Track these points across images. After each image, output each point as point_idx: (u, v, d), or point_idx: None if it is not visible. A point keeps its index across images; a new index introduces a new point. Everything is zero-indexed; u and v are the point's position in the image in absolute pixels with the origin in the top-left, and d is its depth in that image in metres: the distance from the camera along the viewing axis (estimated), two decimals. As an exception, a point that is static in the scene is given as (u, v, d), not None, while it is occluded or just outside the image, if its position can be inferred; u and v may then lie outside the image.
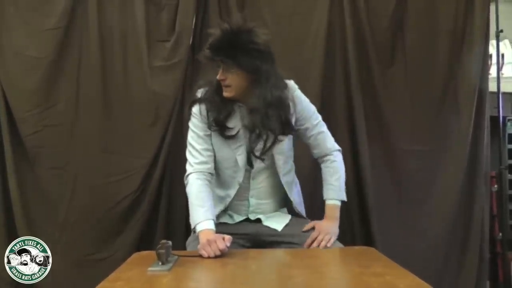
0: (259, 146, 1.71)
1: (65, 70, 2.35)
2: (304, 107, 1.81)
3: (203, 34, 2.38)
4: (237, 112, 1.75)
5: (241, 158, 1.76)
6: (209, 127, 1.75)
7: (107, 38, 2.35)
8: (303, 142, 1.88)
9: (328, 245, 1.67)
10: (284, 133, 1.74)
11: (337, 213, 1.79)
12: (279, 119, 1.69)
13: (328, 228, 1.72)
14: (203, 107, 1.76)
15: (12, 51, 2.33)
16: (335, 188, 1.82)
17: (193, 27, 2.37)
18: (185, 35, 2.35)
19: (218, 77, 1.67)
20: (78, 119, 2.35)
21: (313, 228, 1.74)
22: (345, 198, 1.83)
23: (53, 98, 2.34)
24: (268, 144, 1.71)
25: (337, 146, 1.89)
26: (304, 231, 1.73)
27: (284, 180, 1.83)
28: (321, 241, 1.67)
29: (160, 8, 2.38)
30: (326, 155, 1.86)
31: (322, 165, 1.87)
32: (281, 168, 1.81)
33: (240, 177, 1.79)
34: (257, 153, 1.72)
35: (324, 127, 1.87)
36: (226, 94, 1.70)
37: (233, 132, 1.74)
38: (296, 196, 1.92)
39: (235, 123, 1.74)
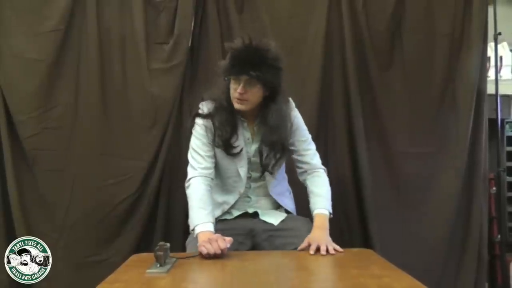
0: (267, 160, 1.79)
1: (64, 73, 2.35)
2: (299, 126, 1.88)
3: (202, 36, 2.40)
4: (240, 128, 1.80)
5: (243, 169, 1.82)
6: (214, 145, 1.79)
7: (106, 41, 2.35)
8: (291, 157, 1.92)
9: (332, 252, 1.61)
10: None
11: (327, 223, 1.76)
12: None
13: (322, 238, 1.66)
14: (209, 122, 1.79)
15: (11, 54, 2.32)
16: (323, 199, 1.82)
17: (191, 29, 2.37)
18: (183, 38, 2.35)
19: (238, 90, 1.68)
20: (77, 121, 2.35)
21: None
22: (331, 211, 1.81)
23: (52, 100, 2.33)
24: (279, 159, 1.81)
25: (322, 166, 1.92)
26: (300, 249, 1.66)
27: (274, 192, 1.89)
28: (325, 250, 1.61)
29: (159, 11, 2.37)
30: (314, 170, 1.89)
31: (309, 178, 1.89)
32: (270, 182, 1.87)
33: (241, 187, 1.84)
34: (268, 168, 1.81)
35: (314, 146, 1.92)
36: (241, 107, 1.73)
37: (237, 150, 1.78)
38: (289, 203, 1.96)
39: (239, 141, 1.79)
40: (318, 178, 1.87)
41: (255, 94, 1.72)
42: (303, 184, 1.91)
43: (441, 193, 2.44)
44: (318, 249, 1.58)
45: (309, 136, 1.92)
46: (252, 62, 1.65)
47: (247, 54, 1.66)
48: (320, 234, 1.68)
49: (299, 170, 1.92)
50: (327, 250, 1.57)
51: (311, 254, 1.56)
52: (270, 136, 1.76)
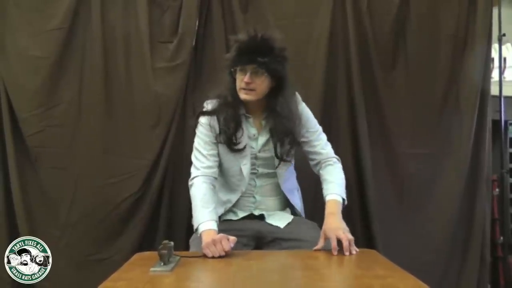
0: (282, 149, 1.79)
1: (68, 71, 2.35)
2: (308, 117, 1.89)
3: (206, 35, 2.40)
4: (244, 124, 1.80)
5: (245, 167, 1.82)
6: (217, 140, 1.80)
7: (110, 39, 2.35)
8: (302, 150, 1.91)
9: (353, 252, 1.57)
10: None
11: (339, 209, 1.71)
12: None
13: (338, 226, 1.62)
14: (213, 119, 1.80)
15: (15, 51, 2.33)
16: (335, 185, 1.79)
17: (196, 28, 2.38)
18: (188, 37, 2.35)
19: (245, 79, 1.70)
20: (80, 119, 2.35)
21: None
22: (345, 197, 1.78)
23: (56, 98, 2.33)
24: (291, 148, 1.81)
25: (335, 155, 1.92)
26: (316, 249, 1.62)
27: (284, 186, 1.88)
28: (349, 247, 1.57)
29: (163, 10, 2.37)
30: (327, 160, 1.88)
31: (322, 168, 1.87)
32: (282, 176, 1.87)
33: (243, 186, 1.83)
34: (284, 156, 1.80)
35: (325, 137, 1.92)
36: (248, 97, 1.74)
37: (241, 146, 1.79)
38: (297, 201, 1.95)
39: (243, 137, 1.79)
40: (331, 167, 1.86)
41: (262, 83, 1.73)
42: (318, 177, 1.89)
43: (444, 194, 2.43)
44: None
45: (320, 128, 1.92)
46: (258, 51, 1.68)
47: (253, 44, 1.69)
48: (334, 222, 1.64)
49: (312, 162, 1.91)
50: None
51: (335, 255, 1.53)
52: (282, 124, 1.77)
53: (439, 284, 2.36)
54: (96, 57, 2.33)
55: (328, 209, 1.71)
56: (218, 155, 1.82)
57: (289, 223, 1.81)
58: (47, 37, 2.32)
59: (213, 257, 1.51)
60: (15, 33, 2.33)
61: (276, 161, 1.82)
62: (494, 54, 2.57)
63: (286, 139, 1.79)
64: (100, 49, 2.33)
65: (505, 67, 2.71)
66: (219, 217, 1.77)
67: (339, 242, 1.57)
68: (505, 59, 2.70)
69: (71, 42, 2.35)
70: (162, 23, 2.37)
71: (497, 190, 2.57)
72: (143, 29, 2.34)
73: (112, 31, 2.36)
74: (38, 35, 2.32)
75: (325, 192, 1.79)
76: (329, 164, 1.87)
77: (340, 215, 1.70)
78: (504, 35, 2.47)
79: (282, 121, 1.77)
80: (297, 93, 1.88)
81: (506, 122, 2.63)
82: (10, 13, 2.34)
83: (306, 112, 1.89)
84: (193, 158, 1.82)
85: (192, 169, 1.80)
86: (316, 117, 1.99)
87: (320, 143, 1.89)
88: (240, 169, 1.82)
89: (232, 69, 1.75)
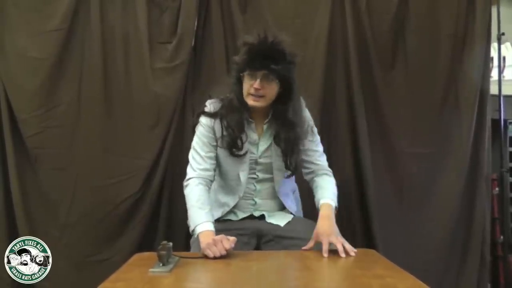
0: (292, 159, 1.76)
1: (67, 72, 2.35)
2: (312, 126, 1.85)
3: (205, 36, 2.40)
4: (246, 129, 1.76)
5: (244, 173, 1.79)
6: (218, 144, 1.76)
7: (109, 40, 2.35)
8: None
9: (352, 254, 1.53)
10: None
11: (332, 214, 1.67)
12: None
13: (331, 230, 1.60)
14: (216, 122, 1.76)
15: (14, 52, 2.33)
16: (329, 192, 1.76)
17: (195, 29, 2.38)
18: (187, 37, 2.35)
19: (255, 86, 1.65)
20: (79, 120, 2.35)
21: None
22: (337, 205, 1.74)
23: (55, 99, 2.34)
24: (297, 156, 1.78)
25: (328, 168, 1.89)
26: (305, 249, 1.61)
27: (280, 192, 1.86)
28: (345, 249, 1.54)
29: (162, 10, 2.38)
30: (321, 171, 1.85)
31: (317, 178, 1.84)
32: (278, 183, 1.84)
33: (241, 191, 1.81)
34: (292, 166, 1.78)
35: (321, 147, 1.89)
36: (256, 104, 1.69)
37: (242, 152, 1.75)
38: (293, 204, 1.93)
39: (246, 143, 1.76)
40: (326, 177, 1.83)
41: (272, 90, 1.68)
42: (308, 183, 1.88)
43: (443, 193, 2.44)
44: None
45: (319, 138, 1.88)
46: (270, 57, 1.62)
47: (265, 49, 1.63)
48: (327, 226, 1.61)
49: (306, 170, 1.87)
50: (345, 251, 1.52)
51: (325, 256, 1.50)
52: (287, 132, 1.73)
53: (439, 284, 2.36)
54: (95, 58, 2.34)
55: (322, 212, 1.68)
56: (217, 158, 1.79)
57: (289, 222, 1.80)
58: (46, 38, 2.32)
59: (214, 258, 1.49)
60: (14, 33, 2.33)
61: (288, 172, 1.80)
62: (493, 53, 2.57)
63: (296, 148, 1.76)
64: (99, 50, 2.34)
65: (504, 66, 2.70)
66: (218, 219, 1.76)
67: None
68: (504, 58, 2.70)
69: (70, 43, 2.35)
70: (161, 24, 2.38)
71: (497, 189, 2.57)
72: (142, 29, 2.34)
73: (111, 32, 2.36)
74: (37, 36, 2.32)
75: (318, 196, 1.76)
76: (325, 174, 1.84)
77: (333, 219, 1.67)
78: (503, 34, 2.46)
79: (288, 128, 1.73)
80: (302, 98, 1.84)
81: (505, 121, 2.63)
82: (9, 13, 2.34)
83: (309, 119, 1.85)
84: (190, 157, 1.79)
85: (188, 169, 1.77)
86: (315, 116, 2.00)
87: (317, 153, 1.85)
88: (238, 175, 1.79)
89: (240, 74, 1.69)
